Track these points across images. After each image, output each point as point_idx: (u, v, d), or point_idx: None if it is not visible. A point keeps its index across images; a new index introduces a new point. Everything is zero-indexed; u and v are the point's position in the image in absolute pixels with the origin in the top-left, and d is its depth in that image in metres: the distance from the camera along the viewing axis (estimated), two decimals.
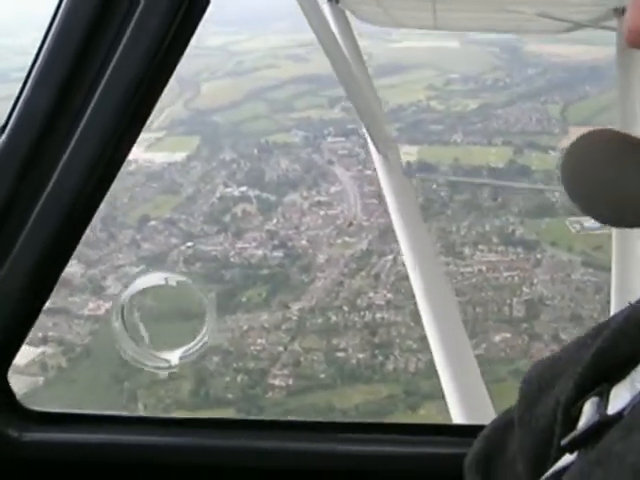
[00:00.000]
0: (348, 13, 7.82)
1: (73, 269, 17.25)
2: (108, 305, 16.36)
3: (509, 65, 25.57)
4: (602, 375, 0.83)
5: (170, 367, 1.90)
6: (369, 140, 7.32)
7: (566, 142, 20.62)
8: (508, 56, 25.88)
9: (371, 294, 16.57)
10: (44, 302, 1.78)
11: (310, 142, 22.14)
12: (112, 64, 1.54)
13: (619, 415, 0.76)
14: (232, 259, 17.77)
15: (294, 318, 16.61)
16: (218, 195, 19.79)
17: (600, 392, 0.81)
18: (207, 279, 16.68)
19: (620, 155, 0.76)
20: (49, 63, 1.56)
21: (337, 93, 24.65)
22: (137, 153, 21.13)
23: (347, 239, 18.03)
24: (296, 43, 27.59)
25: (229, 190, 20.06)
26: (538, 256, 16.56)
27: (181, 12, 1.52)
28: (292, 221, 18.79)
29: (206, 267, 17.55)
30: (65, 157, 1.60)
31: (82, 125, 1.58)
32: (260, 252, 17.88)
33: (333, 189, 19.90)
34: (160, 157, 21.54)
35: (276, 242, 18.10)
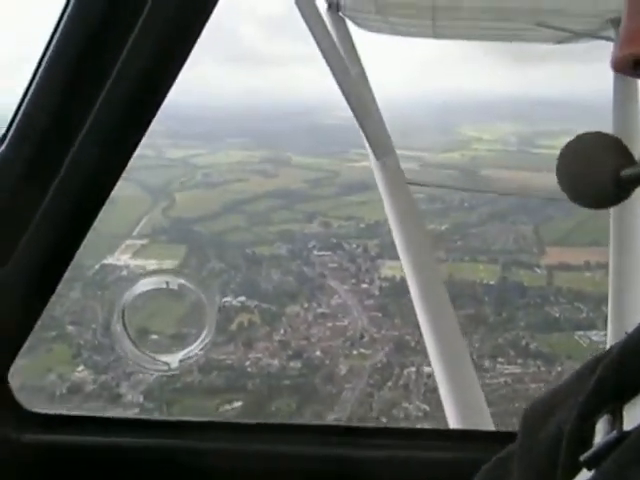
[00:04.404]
0: (348, 22, 8.05)
1: (82, 374, 16.54)
2: (130, 413, 15.64)
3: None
4: (606, 401, 0.87)
5: (170, 370, 1.91)
6: (367, 145, 7.41)
7: (547, 260, 21.53)
8: (466, 179, 26.92)
9: (405, 404, 16.56)
10: (46, 303, 1.78)
11: (297, 255, 22.24)
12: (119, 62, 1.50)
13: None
14: (249, 369, 17.46)
15: None
16: (219, 304, 19.48)
17: (612, 410, 0.85)
18: (229, 389, 16.30)
19: (595, 153, 0.90)
20: (54, 65, 1.53)
21: (312, 208, 25.13)
22: (125, 259, 20.73)
23: (362, 351, 18.05)
24: (258, 159, 28.05)
25: (228, 299, 19.85)
26: (559, 369, 16.97)
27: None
28: (300, 332, 18.67)
29: (223, 376, 17.13)
30: (69, 157, 1.57)
31: (86, 127, 1.55)
32: (276, 362, 17.64)
33: (334, 302, 19.99)
34: (151, 264, 21.13)
35: (290, 352, 17.92)
